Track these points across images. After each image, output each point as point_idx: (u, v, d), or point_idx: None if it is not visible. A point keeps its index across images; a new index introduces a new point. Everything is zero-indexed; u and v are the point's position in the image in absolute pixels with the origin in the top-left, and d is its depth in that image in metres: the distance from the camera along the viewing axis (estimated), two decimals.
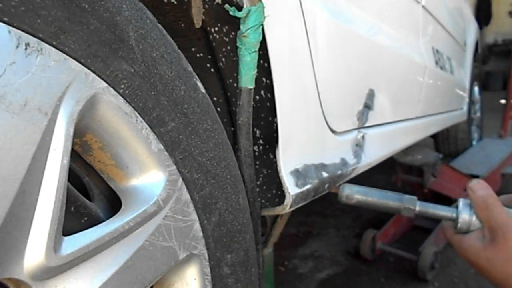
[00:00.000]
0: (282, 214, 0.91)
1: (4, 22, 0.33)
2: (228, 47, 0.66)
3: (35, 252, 0.35)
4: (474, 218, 0.67)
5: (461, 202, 0.70)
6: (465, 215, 0.68)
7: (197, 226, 0.53)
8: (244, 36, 0.58)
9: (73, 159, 0.44)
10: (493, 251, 0.62)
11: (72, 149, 0.39)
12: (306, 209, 2.32)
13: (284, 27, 0.70)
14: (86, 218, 0.43)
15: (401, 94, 1.42)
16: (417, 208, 0.72)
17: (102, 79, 0.41)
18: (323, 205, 2.45)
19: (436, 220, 1.85)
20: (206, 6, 0.60)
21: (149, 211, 0.46)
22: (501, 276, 0.61)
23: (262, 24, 0.59)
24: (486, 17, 9.10)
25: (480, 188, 0.67)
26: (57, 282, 0.38)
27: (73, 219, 0.41)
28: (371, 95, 1.10)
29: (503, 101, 3.70)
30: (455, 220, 0.69)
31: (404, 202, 0.72)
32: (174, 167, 0.49)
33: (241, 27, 0.58)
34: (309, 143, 0.82)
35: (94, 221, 0.43)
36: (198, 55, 0.70)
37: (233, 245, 0.59)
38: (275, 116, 0.68)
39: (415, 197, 0.73)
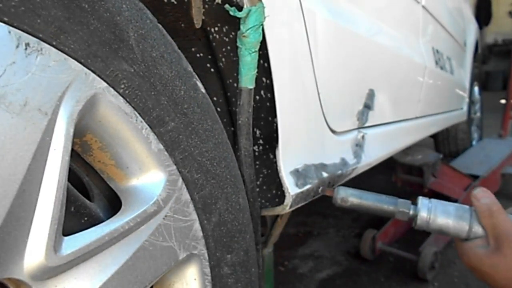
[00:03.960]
0: (282, 214, 0.91)
1: (4, 22, 0.33)
2: (228, 47, 0.66)
3: (35, 252, 0.35)
4: (476, 226, 0.69)
5: (420, 200, 0.74)
6: (423, 213, 0.72)
7: (197, 226, 0.53)
8: (244, 36, 0.58)
9: (73, 159, 0.44)
10: (498, 258, 0.64)
11: (72, 149, 0.39)
12: (306, 209, 2.31)
13: (284, 27, 0.70)
14: (86, 218, 0.43)
15: (401, 94, 1.42)
16: (411, 212, 0.73)
17: (102, 79, 0.41)
18: (323, 205, 2.44)
19: None
20: (206, 6, 0.60)
21: (149, 211, 0.46)
22: (504, 280, 0.63)
23: (262, 24, 0.59)
24: (486, 17, 9.10)
25: (483, 196, 0.68)
26: (57, 282, 0.38)
27: (73, 219, 0.41)
28: (371, 95, 1.10)
29: (503, 101, 3.70)
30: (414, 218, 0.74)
31: (399, 206, 0.73)
32: (174, 167, 0.49)
33: (241, 27, 0.58)
34: (309, 143, 0.82)
35: (94, 221, 0.43)
36: (198, 55, 0.70)
37: (233, 245, 0.59)
38: (275, 116, 0.68)
39: (409, 201, 0.74)
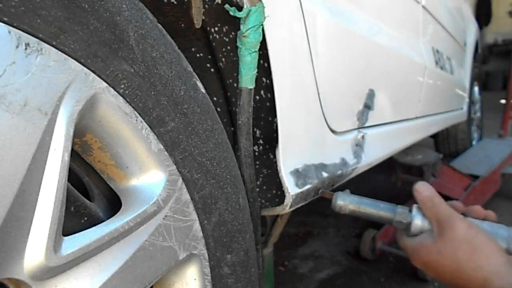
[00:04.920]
0: (282, 214, 0.91)
1: (4, 22, 0.33)
2: (228, 47, 0.66)
3: (35, 252, 0.35)
4: (426, 222, 0.72)
5: (414, 208, 0.75)
6: (417, 221, 0.73)
7: (197, 226, 0.53)
8: (244, 36, 0.58)
9: (73, 159, 0.44)
10: (443, 242, 0.67)
11: (72, 149, 0.39)
12: (306, 209, 2.31)
13: (284, 27, 0.70)
14: (86, 218, 0.43)
15: (401, 94, 1.42)
16: (409, 221, 0.74)
17: (102, 79, 0.41)
18: (323, 205, 2.43)
19: None
20: (206, 6, 0.60)
21: (149, 211, 0.46)
22: (452, 264, 0.65)
23: (262, 24, 0.59)
24: (486, 17, 9.11)
25: (425, 189, 0.73)
26: (57, 282, 0.38)
27: (73, 219, 0.41)
28: (371, 95, 1.10)
29: (503, 101, 3.70)
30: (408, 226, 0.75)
31: (397, 213, 0.75)
32: (174, 167, 0.49)
33: (241, 27, 0.58)
34: (309, 143, 0.82)
35: (94, 221, 0.43)
36: (198, 55, 0.70)
37: (233, 245, 0.59)
38: (275, 116, 0.68)
39: (407, 209, 0.75)
